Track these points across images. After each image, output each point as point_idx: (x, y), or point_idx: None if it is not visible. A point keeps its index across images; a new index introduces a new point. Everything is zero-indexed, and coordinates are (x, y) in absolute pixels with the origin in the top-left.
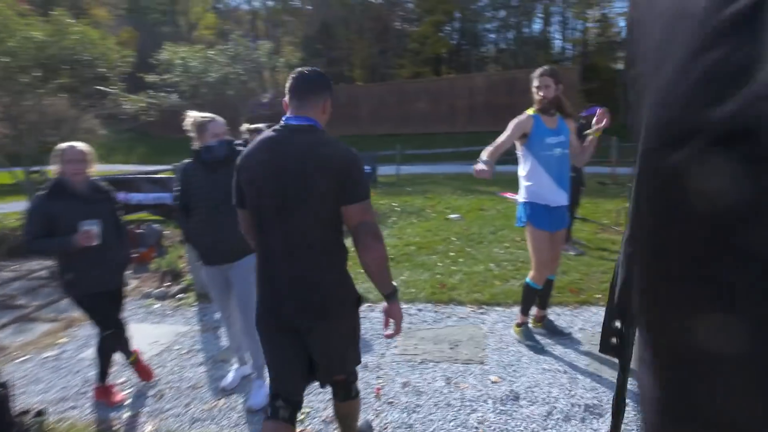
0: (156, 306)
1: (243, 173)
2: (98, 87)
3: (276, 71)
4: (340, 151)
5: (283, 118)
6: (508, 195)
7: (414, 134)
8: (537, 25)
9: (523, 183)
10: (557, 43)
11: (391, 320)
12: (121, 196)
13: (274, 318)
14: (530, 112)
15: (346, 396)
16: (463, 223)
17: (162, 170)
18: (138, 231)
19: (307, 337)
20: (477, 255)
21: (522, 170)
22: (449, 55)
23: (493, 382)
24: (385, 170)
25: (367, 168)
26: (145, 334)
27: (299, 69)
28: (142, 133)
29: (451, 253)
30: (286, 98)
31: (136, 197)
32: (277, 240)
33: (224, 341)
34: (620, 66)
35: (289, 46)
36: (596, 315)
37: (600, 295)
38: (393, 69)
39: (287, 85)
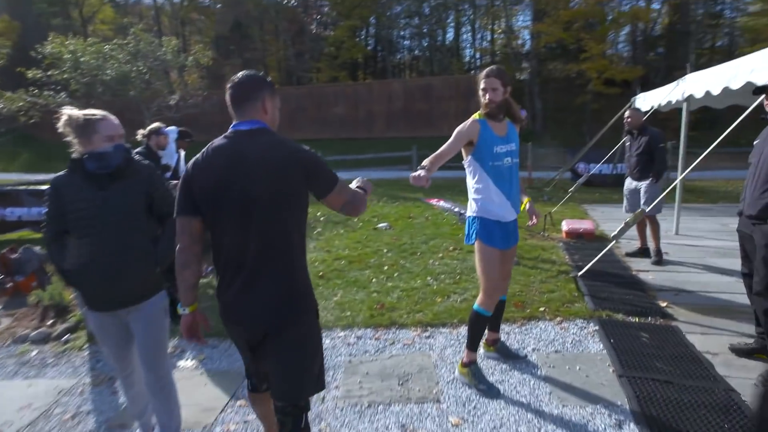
0: (33, 353)
1: (198, 181)
2: None
3: (185, 71)
4: (301, 148)
5: (232, 126)
6: (434, 201)
7: (332, 139)
8: (449, 34)
9: (471, 196)
10: (468, 52)
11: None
12: None
13: (245, 327)
14: (477, 117)
15: (294, 427)
16: (393, 232)
17: (48, 180)
18: (13, 256)
19: (278, 343)
20: (412, 268)
21: (470, 182)
22: (365, 60)
23: (454, 425)
24: None
25: None
26: (14, 395)
27: (238, 75)
28: (26, 136)
29: (385, 267)
30: (229, 105)
31: (15, 212)
32: (252, 245)
33: (123, 397)
34: (525, 76)
35: (198, 44)
36: (546, 332)
37: (544, 308)
38: (310, 73)
39: (228, 90)
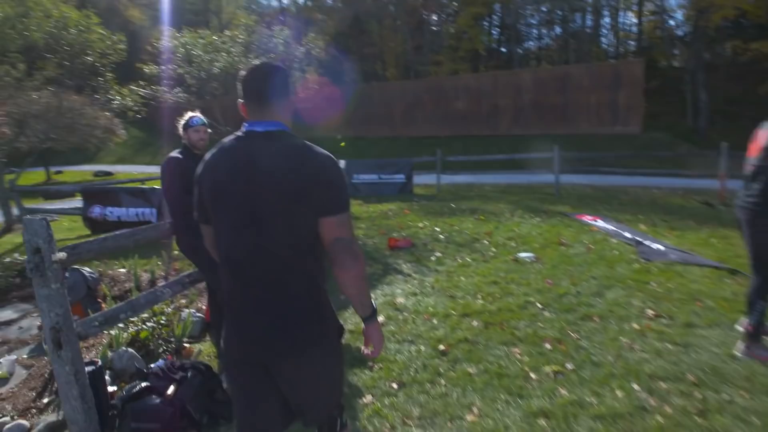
0: None
1: (204, 185)
2: (98, 78)
3: (297, 63)
4: (320, 156)
5: (246, 125)
6: (588, 219)
7: (452, 137)
8: (588, 20)
9: None
10: (606, 39)
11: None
12: (97, 210)
13: (243, 352)
14: None
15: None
16: (543, 269)
17: (151, 178)
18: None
19: (278, 376)
20: (595, 353)
21: None
22: (488, 52)
23: None
24: (421, 179)
25: (400, 176)
26: None
27: (256, 65)
28: (172, 133)
29: (546, 345)
30: (243, 100)
31: (115, 213)
32: (249, 260)
33: None
34: (678, 63)
35: (311, 34)
36: None
37: None
38: (429, 66)
39: (243, 83)
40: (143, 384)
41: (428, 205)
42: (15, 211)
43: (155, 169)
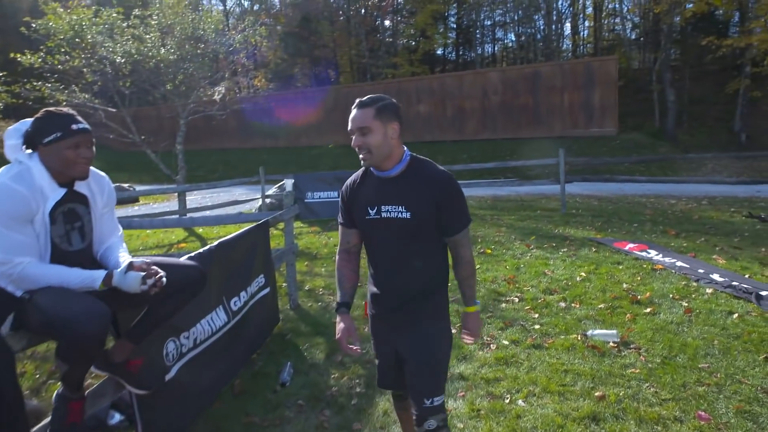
0: None
1: None
2: None
3: (234, 56)
4: None
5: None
6: (633, 248)
7: (413, 143)
8: (549, 21)
9: None
10: (565, 43)
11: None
12: None
13: None
14: None
15: None
16: (650, 366)
17: None
18: None
19: None
20: None
21: None
22: (445, 54)
23: None
24: None
25: None
26: None
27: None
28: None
29: None
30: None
31: None
32: None
33: None
34: (639, 64)
35: (250, 17)
36: None
37: None
38: (385, 69)
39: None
40: None
41: None
42: None
43: None
